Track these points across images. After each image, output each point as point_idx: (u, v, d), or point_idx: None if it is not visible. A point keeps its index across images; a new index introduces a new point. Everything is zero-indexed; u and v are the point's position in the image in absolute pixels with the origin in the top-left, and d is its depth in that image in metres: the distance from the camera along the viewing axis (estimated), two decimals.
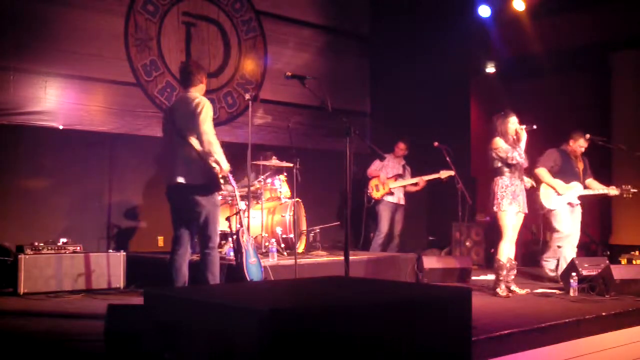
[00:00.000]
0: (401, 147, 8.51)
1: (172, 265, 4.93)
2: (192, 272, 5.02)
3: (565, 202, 6.81)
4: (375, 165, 8.43)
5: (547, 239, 7.07)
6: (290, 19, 9.12)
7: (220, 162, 4.79)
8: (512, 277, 6.11)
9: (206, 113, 4.75)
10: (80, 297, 5.81)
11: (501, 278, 5.97)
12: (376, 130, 9.72)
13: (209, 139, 4.71)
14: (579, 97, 9.30)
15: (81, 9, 7.15)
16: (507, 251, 6.02)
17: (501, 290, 5.93)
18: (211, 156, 4.74)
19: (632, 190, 6.79)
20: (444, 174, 8.08)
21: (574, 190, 6.81)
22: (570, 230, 6.85)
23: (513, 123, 6.09)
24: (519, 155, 5.97)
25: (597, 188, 6.91)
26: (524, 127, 6.05)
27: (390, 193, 8.33)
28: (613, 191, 6.83)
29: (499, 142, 6.06)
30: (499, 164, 6.08)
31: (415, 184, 8.37)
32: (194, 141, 4.76)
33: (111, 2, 7.39)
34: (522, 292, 6.07)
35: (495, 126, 6.16)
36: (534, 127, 6.05)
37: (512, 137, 6.06)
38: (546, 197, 6.83)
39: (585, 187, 6.90)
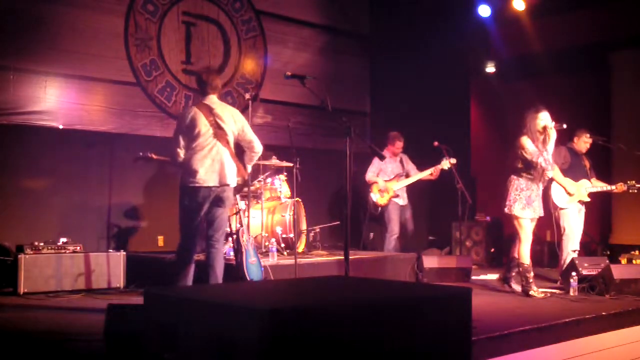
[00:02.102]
0: (398, 146, 8.18)
1: (187, 267, 4.96)
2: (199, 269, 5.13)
3: (576, 200, 6.75)
4: (374, 169, 8.08)
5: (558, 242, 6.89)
6: (290, 19, 9.11)
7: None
8: (513, 274, 6.12)
9: (249, 126, 5.25)
10: (80, 297, 5.81)
11: (531, 281, 5.85)
12: (376, 130, 9.72)
13: (261, 150, 5.27)
14: (579, 97, 9.30)
15: (81, 8, 7.15)
16: (528, 253, 5.90)
17: (534, 291, 5.79)
18: (251, 164, 5.30)
19: (637, 185, 6.76)
20: (444, 164, 7.80)
21: (584, 187, 6.74)
22: (576, 229, 6.79)
23: (542, 119, 5.77)
24: (544, 161, 5.71)
25: (602, 185, 6.87)
26: (553, 124, 5.76)
27: (396, 195, 8.01)
28: (621, 187, 6.78)
29: (526, 143, 5.74)
30: (521, 165, 5.83)
31: (431, 174, 7.97)
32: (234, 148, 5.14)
33: (111, 2, 7.39)
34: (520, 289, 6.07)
35: (524, 122, 5.81)
36: (564, 126, 5.79)
37: (539, 135, 5.75)
38: (558, 196, 6.71)
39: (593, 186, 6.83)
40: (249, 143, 5.18)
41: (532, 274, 5.92)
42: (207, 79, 5.10)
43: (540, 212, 5.97)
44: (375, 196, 8.00)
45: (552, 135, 5.77)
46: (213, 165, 4.93)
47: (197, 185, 4.90)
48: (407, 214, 8.21)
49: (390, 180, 8.08)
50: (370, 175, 8.07)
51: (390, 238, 8.06)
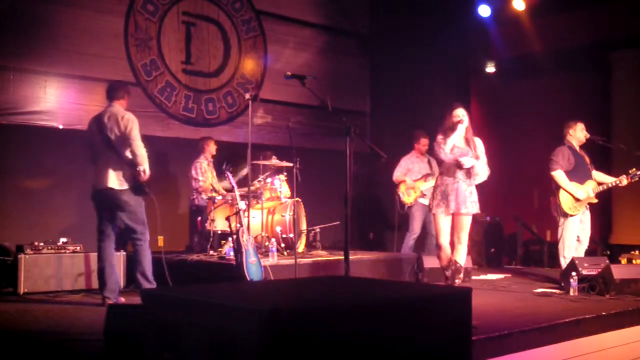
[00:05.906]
0: (424, 143, 7.93)
1: (105, 258, 5.35)
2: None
3: (585, 204, 6.64)
4: (401, 169, 7.88)
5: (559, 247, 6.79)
6: (290, 19, 9.12)
7: (147, 170, 5.36)
8: (458, 281, 5.96)
9: (136, 129, 5.38)
10: (80, 297, 5.81)
11: (448, 274, 5.90)
12: (376, 130, 9.71)
13: (142, 153, 5.34)
14: (579, 97, 9.30)
15: (81, 8, 7.15)
16: (442, 254, 5.84)
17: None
18: (141, 165, 5.30)
19: (638, 173, 6.59)
20: None
21: (591, 189, 6.57)
22: (575, 239, 6.69)
23: (454, 116, 5.92)
24: (445, 146, 5.75)
25: (607, 181, 6.71)
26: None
27: (422, 195, 7.79)
28: (624, 180, 6.63)
29: (438, 138, 5.89)
30: (440, 162, 6.01)
31: None
32: (123, 151, 5.32)
33: (111, 1, 7.40)
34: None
35: (443, 122, 6.01)
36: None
37: (451, 130, 5.88)
38: (569, 203, 6.55)
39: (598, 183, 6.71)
40: (132, 149, 5.36)
41: (450, 271, 5.85)
42: (120, 88, 5.51)
43: (460, 208, 5.70)
44: (402, 195, 7.84)
45: (458, 127, 5.86)
46: (98, 170, 5.31)
47: (94, 188, 5.33)
48: (430, 217, 7.62)
49: (418, 179, 7.90)
50: (397, 175, 7.89)
51: (410, 237, 7.89)
